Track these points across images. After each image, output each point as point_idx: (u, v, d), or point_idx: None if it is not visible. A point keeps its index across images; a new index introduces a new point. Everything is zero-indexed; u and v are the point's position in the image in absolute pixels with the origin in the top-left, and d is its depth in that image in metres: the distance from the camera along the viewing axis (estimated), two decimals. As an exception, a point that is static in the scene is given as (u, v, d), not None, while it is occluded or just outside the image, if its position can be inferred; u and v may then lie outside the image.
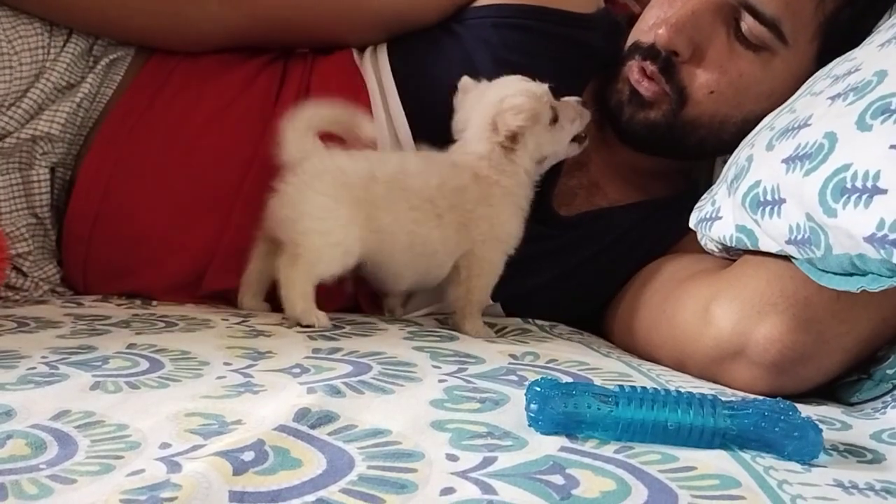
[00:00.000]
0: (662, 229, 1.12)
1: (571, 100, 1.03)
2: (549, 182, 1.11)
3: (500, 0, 1.13)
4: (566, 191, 1.15)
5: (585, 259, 1.13)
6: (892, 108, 0.73)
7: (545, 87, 0.99)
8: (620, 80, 1.11)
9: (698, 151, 1.13)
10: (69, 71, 1.07)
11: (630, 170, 1.18)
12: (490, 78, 1.01)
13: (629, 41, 1.13)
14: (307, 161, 0.94)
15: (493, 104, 0.98)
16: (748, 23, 1.02)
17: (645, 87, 1.08)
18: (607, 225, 1.14)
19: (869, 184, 0.70)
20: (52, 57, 1.06)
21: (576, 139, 1.04)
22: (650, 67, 1.07)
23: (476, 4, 1.15)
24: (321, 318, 0.92)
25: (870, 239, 0.69)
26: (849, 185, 0.72)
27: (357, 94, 1.09)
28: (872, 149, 0.72)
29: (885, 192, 0.69)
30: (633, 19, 1.28)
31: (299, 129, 0.95)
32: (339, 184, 0.93)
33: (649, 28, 1.09)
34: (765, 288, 0.85)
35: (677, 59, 1.05)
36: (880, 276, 0.72)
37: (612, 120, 1.14)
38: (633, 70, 1.09)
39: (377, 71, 1.12)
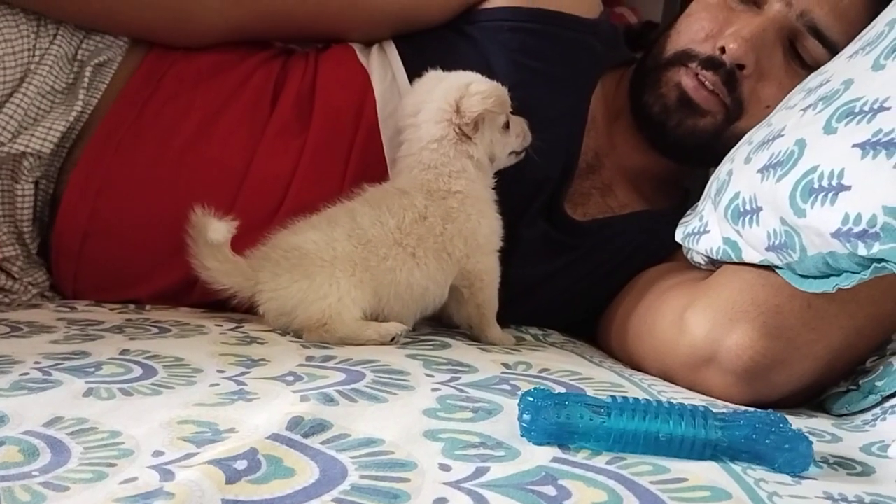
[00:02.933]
0: (657, 241, 1.13)
1: (521, 119, 1.03)
2: (562, 184, 1.12)
3: (513, 3, 1.14)
4: (581, 191, 1.16)
5: (592, 268, 1.14)
6: (856, 110, 0.75)
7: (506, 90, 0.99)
8: (665, 85, 1.12)
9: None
10: (52, 74, 1.05)
11: (637, 174, 1.20)
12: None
13: (672, 48, 1.13)
14: (258, 275, 0.93)
15: (458, 88, 0.96)
16: (810, 45, 1.05)
17: (704, 97, 1.09)
18: (614, 234, 1.15)
19: (834, 182, 0.73)
20: (36, 59, 1.04)
21: (514, 154, 1.03)
22: (712, 78, 1.08)
23: (487, 6, 1.15)
24: (392, 327, 0.91)
25: (836, 234, 0.72)
26: (816, 185, 0.74)
27: (364, 93, 1.09)
28: (837, 149, 0.74)
29: (848, 188, 0.71)
30: (629, 29, 1.30)
31: (219, 259, 0.92)
32: (301, 261, 0.91)
33: (704, 39, 1.10)
34: (737, 296, 0.86)
35: (741, 73, 1.07)
36: (853, 272, 0.73)
37: (653, 125, 1.15)
38: (687, 78, 1.10)
39: (386, 72, 1.11)
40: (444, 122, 0.96)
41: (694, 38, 1.11)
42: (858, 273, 0.73)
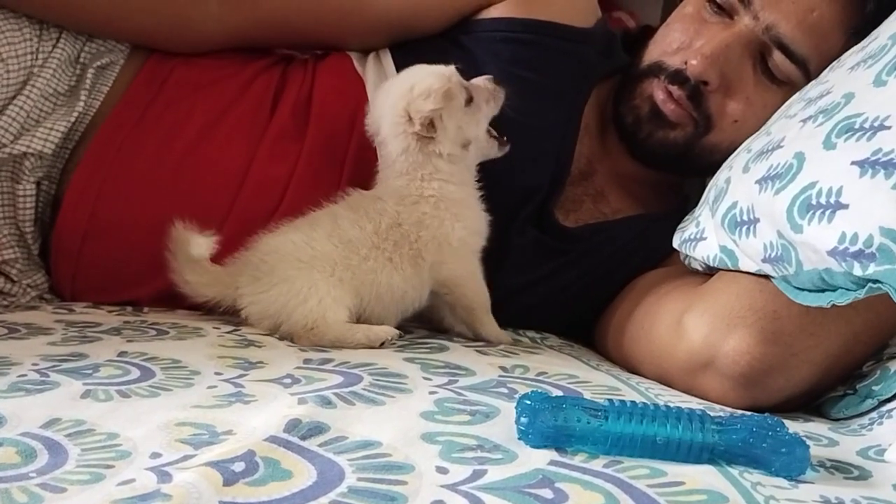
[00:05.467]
0: (654, 245, 1.13)
1: (482, 79, 1.00)
2: (552, 192, 1.12)
3: (508, 14, 1.14)
4: (572, 198, 1.16)
5: (584, 272, 1.14)
6: (856, 126, 0.75)
7: (452, 67, 0.97)
8: (639, 96, 1.12)
9: (708, 171, 1.14)
10: (56, 77, 1.06)
11: (632, 180, 1.20)
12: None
13: (647, 59, 1.13)
14: (238, 280, 0.94)
15: (403, 94, 0.95)
16: (777, 59, 1.04)
17: (671, 110, 1.09)
18: (606, 238, 1.15)
19: (832, 199, 0.73)
20: (39, 62, 1.05)
21: (497, 140, 1.01)
22: (678, 92, 1.08)
23: (483, 17, 1.15)
24: (382, 331, 0.91)
25: (832, 252, 0.72)
26: (814, 202, 0.74)
27: (359, 102, 1.10)
28: (836, 166, 0.74)
29: (846, 206, 0.71)
30: (626, 33, 1.29)
31: (198, 271, 0.94)
32: (279, 263, 0.92)
33: (675, 51, 1.10)
34: (734, 302, 0.86)
35: (706, 88, 1.07)
36: (848, 290, 0.73)
37: (627, 135, 1.15)
38: (658, 91, 1.10)
39: (381, 80, 1.11)
40: (402, 135, 0.95)
41: (666, 50, 1.11)
42: (853, 291, 0.73)
